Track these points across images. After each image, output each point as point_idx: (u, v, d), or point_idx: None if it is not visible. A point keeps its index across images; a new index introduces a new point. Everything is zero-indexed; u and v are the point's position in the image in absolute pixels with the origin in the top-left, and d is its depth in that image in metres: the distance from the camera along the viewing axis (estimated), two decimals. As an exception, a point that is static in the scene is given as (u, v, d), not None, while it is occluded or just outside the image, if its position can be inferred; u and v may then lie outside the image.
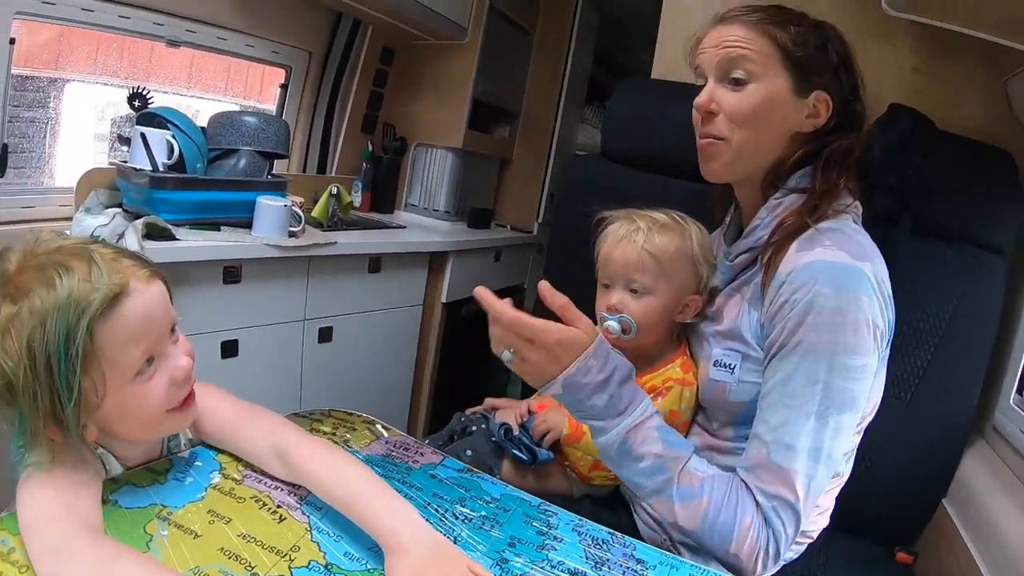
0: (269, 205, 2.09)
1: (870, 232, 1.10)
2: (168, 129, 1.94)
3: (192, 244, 1.84)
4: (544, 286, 1.01)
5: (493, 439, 1.35)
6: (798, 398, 0.98)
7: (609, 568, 0.93)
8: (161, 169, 1.92)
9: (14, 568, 0.76)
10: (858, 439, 1.12)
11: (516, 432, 1.34)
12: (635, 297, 1.24)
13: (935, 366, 1.56)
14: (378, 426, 1.25)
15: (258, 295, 2.13)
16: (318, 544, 0.88)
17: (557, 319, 1.01)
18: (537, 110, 3.67)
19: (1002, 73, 1.75)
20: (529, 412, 1.39)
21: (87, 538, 0.78)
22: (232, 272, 2.02)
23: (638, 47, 3.87)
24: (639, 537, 1.07)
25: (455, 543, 0.91)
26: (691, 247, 1.23)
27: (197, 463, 1.01)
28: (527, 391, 1.49)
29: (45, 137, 2.20)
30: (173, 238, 1.83)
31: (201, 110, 2.64)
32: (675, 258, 1.22)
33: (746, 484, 1.03)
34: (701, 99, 1.13)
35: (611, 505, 1.34)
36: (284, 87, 2.99)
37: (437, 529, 0.90)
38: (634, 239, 1.23)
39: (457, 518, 0.99)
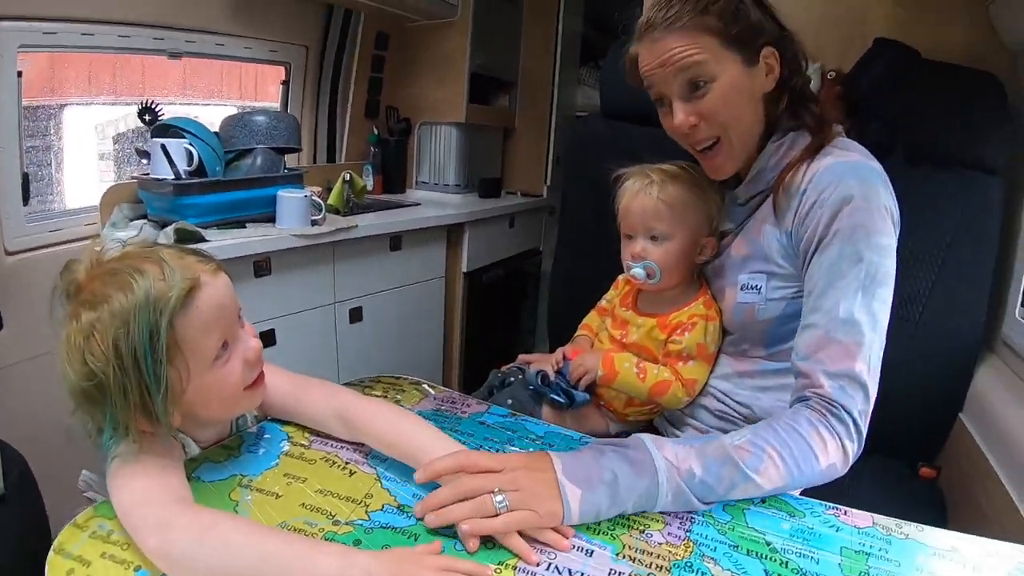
0: (290, 198, 2.17)
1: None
2: (184, 138, 2.02)
3: (222, 243, 1.92)
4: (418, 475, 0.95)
5: (531, 387, 1.44)
6: (846, 276, 1.05)
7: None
8: (183, 176, 2.01)
9: (116, 547, 0.84)
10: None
11: (553, 378, 1.43)
12: (656, 244, 1.32)
13: (940, 286, 1.62)
14: (424, 385, 1.34)
15: (289, 285, 2.21)
16: (388, 490, 0.97)
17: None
18: (534, 77, 3.71)
19: (983, -2, 1.79)
20: (564, 358, 1.47)
21: (184, 511, 0.85)
22: (262, 266, 2.10)
23: (627, 3, 3.89)
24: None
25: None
26: (704, 189, 1.31)
27: (266, 436, 1.10)
28: (552, 348, 1.57)
29: (59, 162, 2.27)
30: (203, 239, 1.91)
31: (200, 115, 2.66)
32: (688, 203, 1.29)
33: (805, 383, 1.07)
34: (679, 120, 1.18)
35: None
36: (286, 83, 3.04)
37: (492, 466, 1.00)
38: (649, 191, 1.30)
39: (509, 456, 1.08)
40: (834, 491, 1.05)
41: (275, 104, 3.10)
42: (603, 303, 1.57)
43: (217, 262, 0.97)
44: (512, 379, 1.48)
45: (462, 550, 0.85)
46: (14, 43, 1.88)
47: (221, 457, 1.03)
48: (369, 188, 3.09)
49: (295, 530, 0.88)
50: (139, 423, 0.88)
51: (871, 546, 0.92)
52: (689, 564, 0.86)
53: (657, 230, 1.31)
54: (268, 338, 2.18)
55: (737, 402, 1.30)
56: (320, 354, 2.43)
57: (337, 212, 2.56)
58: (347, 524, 0.89)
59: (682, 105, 1.17)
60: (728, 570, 0.85)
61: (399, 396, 1.29)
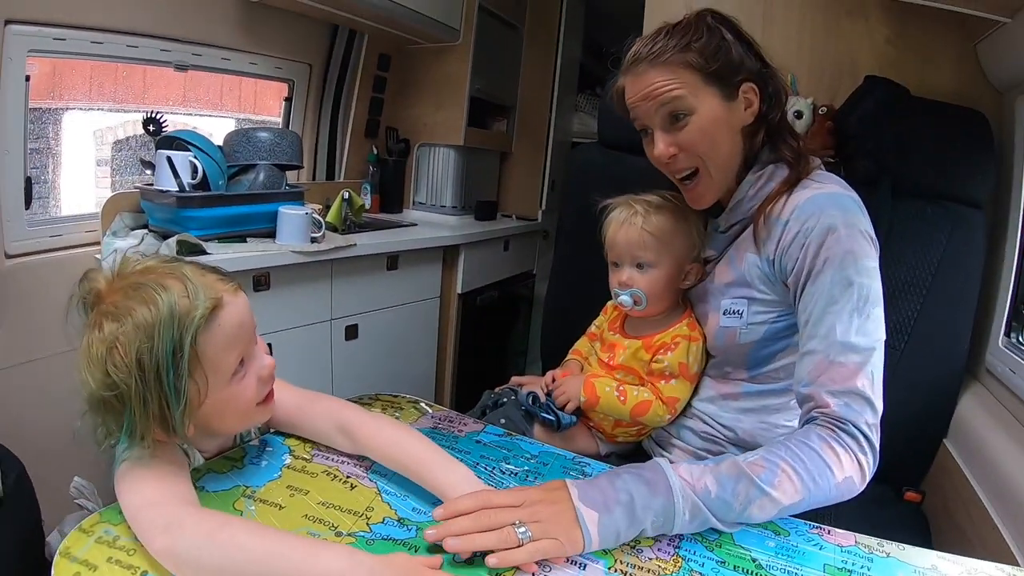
0: (291, 214, 2.19)
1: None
2: (190, 151, 2.05)
3: (223, 256, 1.94)
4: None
5: (523, 407, 1.47)
6: (839, 302, 1.09)
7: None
8: (187, 189, 2.03)
9: (122, 552, 0.86)
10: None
11: (543, 400, 1.47)
12: (642, 272, 1.37)
13: (925, 315, 1.66)
14: (422, 404, 1.38)
15: (287, 300, 2.23)
16: (389, 504, 1.00)
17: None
18: (532, 102, 3.75)
19: (971, 38, 1.84)
20: (554, 380, 1.51)
21: (193, 512, 0.88)
22: (261, 280, 2.12)
23: (624, 33, 3.95)
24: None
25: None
26: (687, 218, 1.36)
27: (268, 449, 1.13)
28: (546, 370, 1.59)
29: (57, 167, 2.28)
30: (204, 252, 1.93)
31: (199, 127, 2.69)
32: (672, 232, 1.35)
33: (810, 407, 1.10)
34: (659, 150, 1.24)
35: (635, 460, 1.44)
36: (288, 100, 3.07)
37: (488, 482, 1.04)
38: (633, 221, 1.36)
39: (504, 473, 1.12)
40: (819, 513, 1.07)
41: (273, 118, 3.13)
42: (593, 328, 1.62)
43: (236, 282, 1.00)
44: (505, 400, 1.51)
45: (461, 561, 0.88)
46: (24, 47, 1.89)
47: (225, 468, 1.06)
48: (367, 207, 3.11)
49: (299, 539, 0.91)
50: (156, 433, 0.90)
51: (853, 564, 0.95)
52: (678, 578, 0.89)
53: (642, 259, 1.36)
54: (265, 352, 2.18)
55: (722, 424, 1.35)
56: (315, 370, 2.44)
57: (335, 230, 2.58)
58: (349, 535, 0.92)
59: (663, 136, 1.24)
60: (715, 585, 0.88)
61: (397, 414, 1.32)
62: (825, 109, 1.82)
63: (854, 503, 1.08)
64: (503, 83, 3.64)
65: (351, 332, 2.56)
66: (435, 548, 0.90)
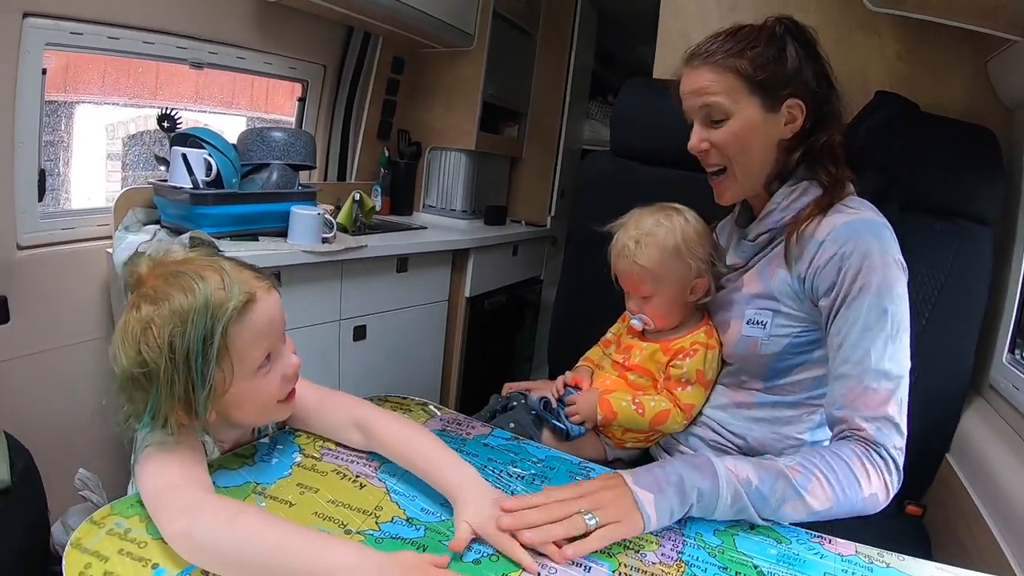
0: (303, 214, 2.20)
1: (863, 211, 1.24)
2: (204, 148, 2.07)
3: (235, 254, 1.91)
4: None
5: (533, 412, 1.48)
6: (874, 329, 1.13)
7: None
8: (200, 186, 2.05)
9: (134, 544, 0.87)
10: None
11: (555, 405, 1.48)
12: (646, 302, 1.41)
13: (931, 329, 1.66)
14: (431, 407, 1.39)
15: (297, 299, 2.24)
16: (398, 504, 1.02)
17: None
18: (544, 109, 3.77)
19: (981, 55, 1.85)
20: (566, 386, 1.52)
21: (212, 498, 0.91)
22: (272, 279, 2.13)
23: (637, 42, 3.96)
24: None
25: (512, 495, 1.04)
26: (677, 244, 1.37)
27: (279, 446, 1.15)
28: (552, 376, 1.61)
29: (69, 160, 2.30)
30: (218, 250, 1.93)
31: (210, 124, 2.71)
32: (666, 262, 1.37)
33: (843, 428, 1.16)
34: (693, 142, 1.30)
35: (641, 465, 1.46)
36: (302, 100, 3.09)
37: (495, 485, 1.05)
38: (626, 254, 1.39)
39: (511, 476, 1.13)
40: (821, 523, 1.09)
41: (285, 117, 3.15)
42: (608, 335, 1.63)
43: (271, 280, 1.05)
44: (515, 404, 1.52)
45: (469, 562, 0.90)
46: (41, 40, 1.90)
47: (236, 464, 1.07)
48: (378, 209, 3.12)
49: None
50: (178, 415, 0.94)
51: (854, 573, 0.96)
52: (681, 583, 0.90)
53: (643, 291, 1.39)
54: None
55: (732, 432, 1.37)
56: (323, 369, 2.45)
57: (345, 230, 2.59)
58: (359, 533, 0.94)
59: (699, 130, 1.29)
60: (717, 591, 0.89)
61: (406, 416, 1.31)
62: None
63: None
64: (515, 89, 3.65)
65: (359, 333, 2.57)
66: (443, 548, 0.92)
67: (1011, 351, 1.74)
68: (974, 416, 1.73)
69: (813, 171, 1.28)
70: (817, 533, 1.06)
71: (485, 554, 0.91)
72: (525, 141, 3.82)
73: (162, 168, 2.18)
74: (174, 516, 0.87)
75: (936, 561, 1.02)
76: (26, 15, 1.83)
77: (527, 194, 3.86)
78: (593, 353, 1.64)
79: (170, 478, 0.92)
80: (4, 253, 1.85)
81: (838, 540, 1.04)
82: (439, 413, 1.37)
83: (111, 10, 2.07)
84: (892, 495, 1.11)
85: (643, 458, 1.53)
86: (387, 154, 3.38)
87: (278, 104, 3.13)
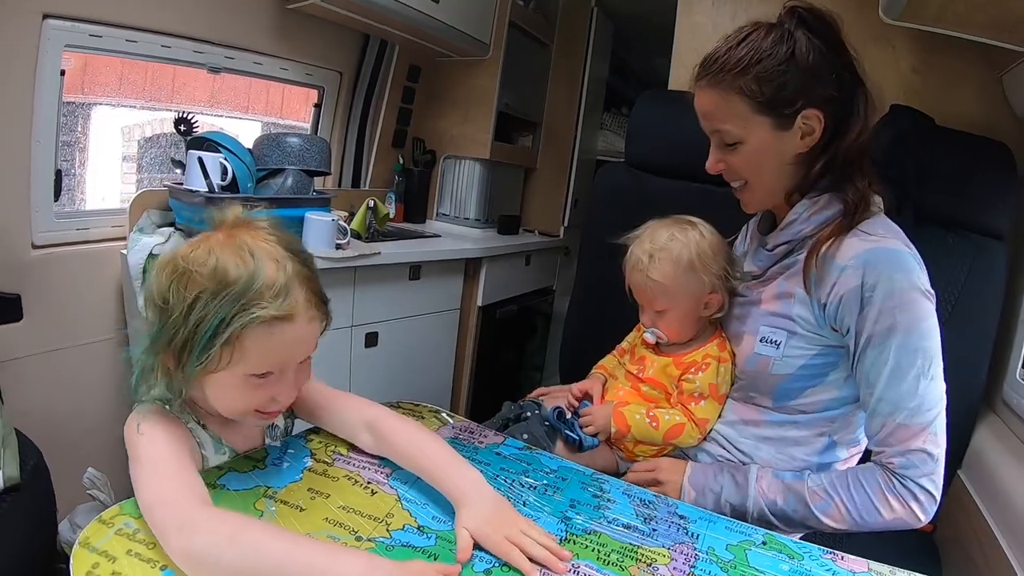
0: (318, 220, 2.22)
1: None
2: (220, 152, 2.08)
3: None
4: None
5: (547, 423, 1.48)
6: (905, 368, 1.13)
7: (657, 522, 1.07)
8: (216, 190, 2.06)
9: (142, 545, 0.87)
10: None
11: (569, 416, 1.48)
12: (659, 316, 1.40)
13: (943, 345, 1.66)
14: (443, 414, 1.39)
15: (310, 305, 2.24)
16: (409, 511, 1.02)
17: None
18: (558, 119, 3.77)
19: (997, 69, 1.85)
20: (579, 399, 1.53)
21: (208, 514, 0.87)
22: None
23: (651, 53, 3.97)
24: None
25: (523, 506, 1.06)
26: (692, 259, 1.35)
27: (290, 451, 1.15)
28: (563, 383, 1.62)
29: (84, 161, 2.32)
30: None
31: (225, 128, 2.72)
32: (679, 277, 1.35)
33: (875, 460, 1.19)
34: (709, 163, 1.29)
35: None
36: (318, 107, 3.11)
37: (507, 495, 1.06)
38: (640, 268, 1.38)
39: (523, 486, 1.13)
40: (832, 539, 1.10)
41: (299, 122, 3.17)
42: (624, 344, 1.62)
43: (324, 310, 1.01)
44: (528, 414, 1.51)
45: (480, 572, 0.89)
46: (60, 42, 1.92)
47: (246, 468, 1.07)
48: (391, 216, 3.14)
49: (319, 543, 0.92)
50: (167, 359, 0.93)
51: (865, 590, 0.96)
52: (691, 597, 0.91)
53: (656, 305, 1.39)
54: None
55: (739, 450, 1.35)
56: (334, 375, 2.45)
57: (359, 237, 2.61)
58: (369, 540, 0.94)
59: (714, 151, 1.29)
60: (728, 604, 0.90)
61: (419, 422, 1.32)
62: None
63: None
64: (530, 99, 3.67)
65: (371, 339, 2.57)
66: (454, 557, 0.92)
67: (1024, 366, 1.73)
68: (986, 432, 1.72)
69: (838, 183, 1.23)
70: (829, 549, 1.05)
71: (496, 564, 0.91)
72: (539, 151, 3.82)
73: (178, 171, 2.21)
74: (169, 532, 0.85)
75: (947, 578, 1.02)
76: (46, 16, 1.85)
77: (540, 204, 3.86)
78: (607, 361, 1.63)
79: (159, 492, 0.90)
80: (19, 252, 1.88)
81: (850, 556, 1.03)
82: (451, 421, 1.37)
83: (130, 13, 2.09)
84: (924, 515, 1.15)
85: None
86: (401, 162, 3.40)
87: (293, 110, 3.15)
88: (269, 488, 1.03)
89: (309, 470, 1.10)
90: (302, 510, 0.99)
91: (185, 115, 2.22)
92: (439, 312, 2.96)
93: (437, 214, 3.59)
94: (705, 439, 1.40)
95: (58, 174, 2.04)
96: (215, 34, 2.40)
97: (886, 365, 1.14)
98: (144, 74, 2.44)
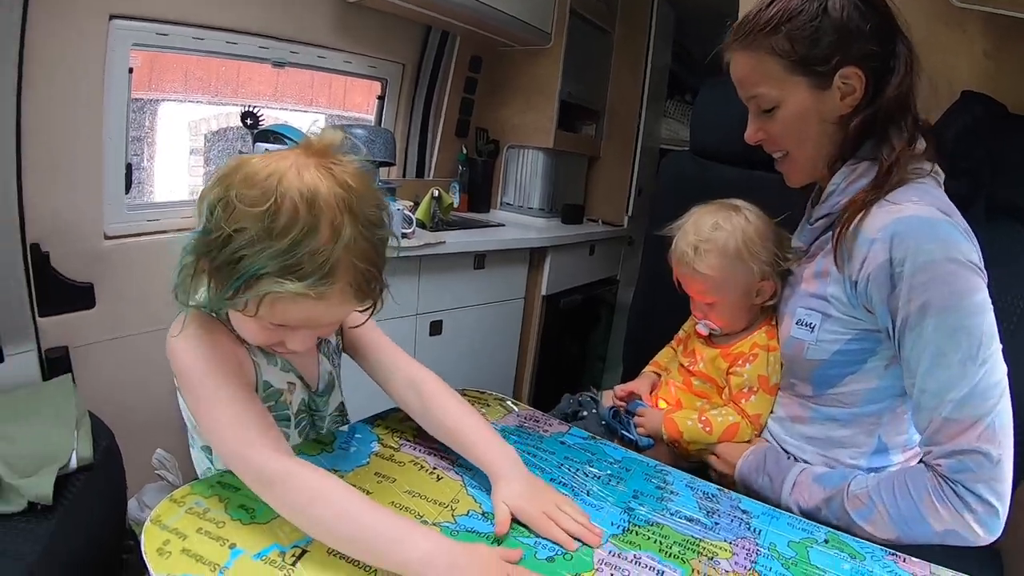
0: (383, 210, 2.23)
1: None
2: (286, 144, 2.12)
3: None
4: None
5: (603, 422, 1.48)
6: (947, 354, 1.01)
7: (719, 516, 1.06)
8: (283, 181, 2.10)
9: (212, 524, 0.89)
10: None
11: (624, 417, 1.47)
12: (709, 307, 1.38)
13: (1012, 344, 1.56)
14: (508, 402, 1.40)
15: (377, 293, 2.28)
16: (473, 497, 1.04)
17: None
18: (621, 107, 3.75)
19: (1075, 53, 1.78)
20: (629, 399, 1.52)
21: (284, 474, 0.87)
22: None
23: (715, 40, 3.92)
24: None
25: (587, 496, 1.07)
26: (739, 248, 1.31)
27: (357, 436, 1.18)
28: (624, 379, 1.62)
29: (153, 155, 2.40)
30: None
31: (289, 120, 2.70)
32: (726, 268, 1.31)
33: (925, 457, 1.07)
34: (748, 134, 1.25)
35: (705, 472, 1.41)
36: (381, 98, 3.16)
37: (571, 484, 1.08)
38: (686, 261, 1.34)
39: (587, 476, 1.14)
40: (894, 550, 1.07)
41: (361, 114, 3.22)
42: (680, 333, 1.61)
43: (371, 298, 0.97)
44: (585, 413, 1.52)
45: (543, 559, 0.91)
46: (128, 41, 2.00)
47: (314, 451, 1.10)
48: (456, 205, 3.16)
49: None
50: (204, 265, 0.89)
51: (927, 593, 0.94)
52: (753, 591, 0.91)
53: (706, 298, 1.37)
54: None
55: (786, 450, 1.31)
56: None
57: (423, 226, 2.64)
58: (434, 524, 0.95)
59: (753, 120, 1.24)
60: (790, 600, 0.89)
61: (483, 410, 1.35)
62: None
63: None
64: (592, 87, 3.66)
65: (435, 328, 2.61)
66: (517, 543, 0.93)
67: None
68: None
69: (878, 147, 1.14)
70: (892, 551, 1.03)
71: (559, 552, 0.92)
72: (603, 140, 3.81)
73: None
74: (248, 480, 0.89)
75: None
76: (112, 17, 1.91)
77: (604, 193, 3.85)
78: (662, 356, 1.62)
79: (216, 428, 0.92)
80: (92, 242, 1.95)
81: (913, 559, 1.01)
82: (516, 409, 1.38)
83: (196, 11, 2.16)
84: (984, 532, 1.02)
85: (706, 465, 1.51)
86: (465, 151, 3.43)
87: (355, 102, 3.20)
88: (336, 471, 1.05)
89: (376, 455, 1.12)
90: (369, 493, 1.01)
91: (252, 109, 2.27)
92: (503, 301, 2.99)
93: (501, 203, 3.61)
94: (760, 434, 1.37)
95: (128, 168, 2.11)
96: (279, 29, 2.46)
97: (925, 350, 1.03)
98: (209, 70, 2.50)
